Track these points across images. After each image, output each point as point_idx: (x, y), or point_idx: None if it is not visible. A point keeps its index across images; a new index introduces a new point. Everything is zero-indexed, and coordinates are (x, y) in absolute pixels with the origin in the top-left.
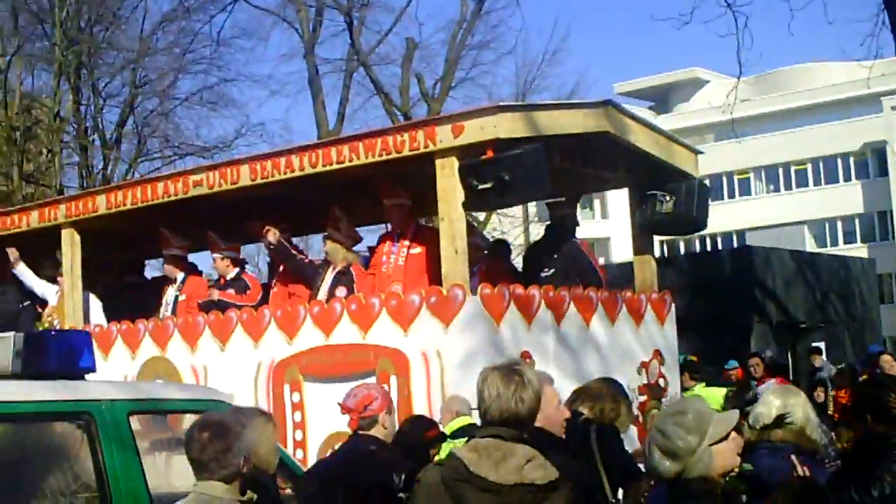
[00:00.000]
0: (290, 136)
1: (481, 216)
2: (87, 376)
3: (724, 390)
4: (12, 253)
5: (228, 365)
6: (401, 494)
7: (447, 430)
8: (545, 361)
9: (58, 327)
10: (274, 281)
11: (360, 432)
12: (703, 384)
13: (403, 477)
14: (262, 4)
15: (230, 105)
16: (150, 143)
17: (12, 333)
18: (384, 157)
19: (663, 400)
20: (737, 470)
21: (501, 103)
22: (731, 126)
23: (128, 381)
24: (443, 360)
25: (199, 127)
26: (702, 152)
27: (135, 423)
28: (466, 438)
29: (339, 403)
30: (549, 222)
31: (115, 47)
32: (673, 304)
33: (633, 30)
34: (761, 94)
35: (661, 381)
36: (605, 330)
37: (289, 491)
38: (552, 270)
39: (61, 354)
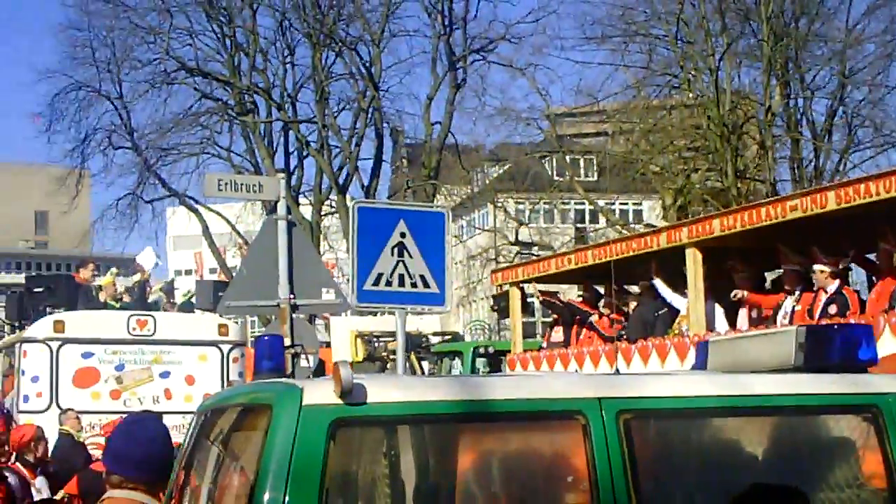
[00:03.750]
0: None
1: None
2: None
3: None
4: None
5: None
6: None
7: None
8: None
9: (686, 333)
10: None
11: None
12: None
13: None
14: None
15: None
16: (860, 134)
17: (795, 327)
18: None
19: None
20: None
21: None
22: None
23: None
24: None
25: None
26: None
27: None
28: None
29: None
30: None
31: (822, 39)
32: None
33: None
34: None
35: None
36: None
37: None
38: None
39: (843, 347)
